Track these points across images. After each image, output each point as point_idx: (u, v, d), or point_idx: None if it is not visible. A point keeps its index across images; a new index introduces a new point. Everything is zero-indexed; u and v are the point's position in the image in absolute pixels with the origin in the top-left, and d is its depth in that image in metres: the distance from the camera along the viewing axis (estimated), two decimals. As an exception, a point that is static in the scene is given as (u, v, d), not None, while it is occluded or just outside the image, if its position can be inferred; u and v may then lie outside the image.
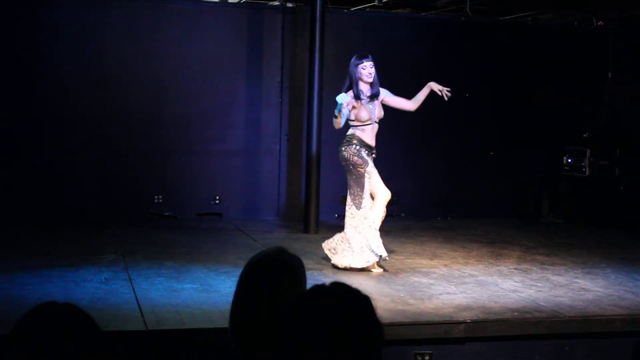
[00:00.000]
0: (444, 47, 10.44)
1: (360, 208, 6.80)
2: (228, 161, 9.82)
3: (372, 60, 6.89)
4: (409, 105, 7.09)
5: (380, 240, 6.85)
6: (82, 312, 1.80)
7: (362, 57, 6.89)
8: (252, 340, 2.15)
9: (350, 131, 6.92)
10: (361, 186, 6.81)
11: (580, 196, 10.36)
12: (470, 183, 10.60)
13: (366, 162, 6.80)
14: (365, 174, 6.80)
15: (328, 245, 6.99)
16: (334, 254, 6.92)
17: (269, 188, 9.96)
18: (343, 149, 6.88)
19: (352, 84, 6.85)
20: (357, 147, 6.81)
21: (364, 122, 6.83)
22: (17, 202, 9.01)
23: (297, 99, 9.89)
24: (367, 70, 6.85)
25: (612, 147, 10.46)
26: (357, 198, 6.83)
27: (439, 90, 7.10)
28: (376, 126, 6.92)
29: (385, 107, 7.04)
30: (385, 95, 7.01)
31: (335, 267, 6.87)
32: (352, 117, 6.84)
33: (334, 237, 6.97)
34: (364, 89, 6.88)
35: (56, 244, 7.60)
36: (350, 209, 6.88)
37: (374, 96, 6.89)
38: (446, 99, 7.08)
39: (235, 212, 9.81)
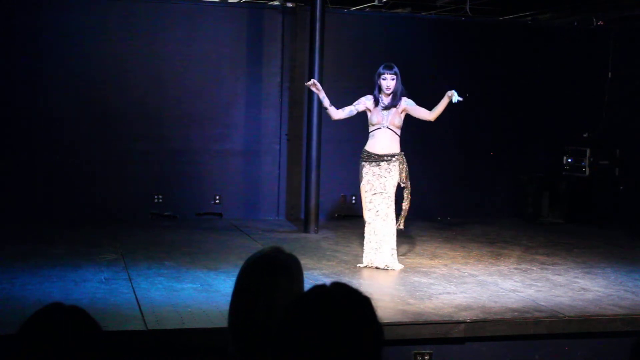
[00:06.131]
0: (444, 47, 10.43)
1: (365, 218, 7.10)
2: (228, 161, 9.81)
3: (393, 73, 6.93)
4: (428, 115, 6.99)
5: (369, 251, 7.06)
6: (86, 314, 1.81)
7: (385, 68, 6.96)
8: (250, 341, 2.15)
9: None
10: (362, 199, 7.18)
11: (580, 196, 10.36)
12: (470, 183, 10.59)
13: (362, 180, 7.02)
14: (361, 189, 7.06)
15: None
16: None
17: (269, 188, 9.96)
18: None
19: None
20: (361, 163, 7.07)
21: (373, 125, 6.98)
22: (17, 202, 9.02)
23: (297, 99, 9.88)
24: (386, 82, 6.94)
25: (612, 147, 10.46)
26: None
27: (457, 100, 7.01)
28: (388, 132, 6.96)
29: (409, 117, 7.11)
30: (407, 105, 7.00)
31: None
32: (369, 122, 7.05)
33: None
34: (384, 97, 6.98)
35: (56, 244, 7.60)
36: None
37: (390, 106, 6.96)
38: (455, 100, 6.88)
39: (235, 212, 9.80)
